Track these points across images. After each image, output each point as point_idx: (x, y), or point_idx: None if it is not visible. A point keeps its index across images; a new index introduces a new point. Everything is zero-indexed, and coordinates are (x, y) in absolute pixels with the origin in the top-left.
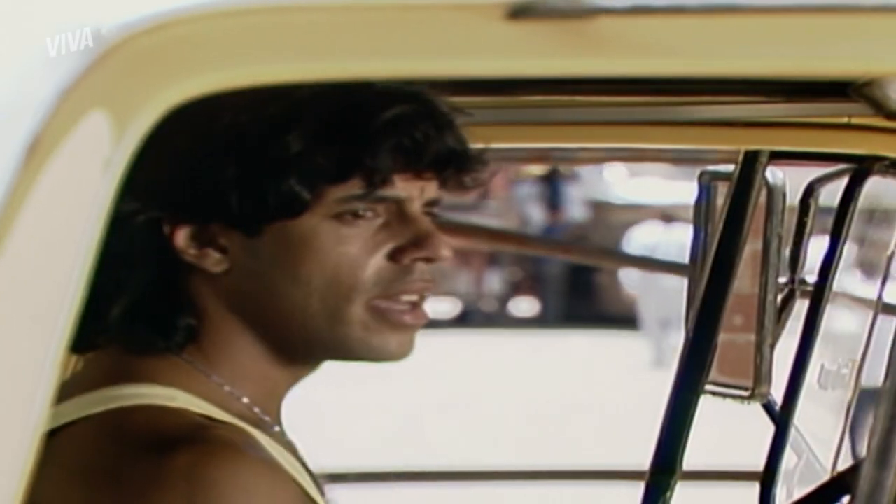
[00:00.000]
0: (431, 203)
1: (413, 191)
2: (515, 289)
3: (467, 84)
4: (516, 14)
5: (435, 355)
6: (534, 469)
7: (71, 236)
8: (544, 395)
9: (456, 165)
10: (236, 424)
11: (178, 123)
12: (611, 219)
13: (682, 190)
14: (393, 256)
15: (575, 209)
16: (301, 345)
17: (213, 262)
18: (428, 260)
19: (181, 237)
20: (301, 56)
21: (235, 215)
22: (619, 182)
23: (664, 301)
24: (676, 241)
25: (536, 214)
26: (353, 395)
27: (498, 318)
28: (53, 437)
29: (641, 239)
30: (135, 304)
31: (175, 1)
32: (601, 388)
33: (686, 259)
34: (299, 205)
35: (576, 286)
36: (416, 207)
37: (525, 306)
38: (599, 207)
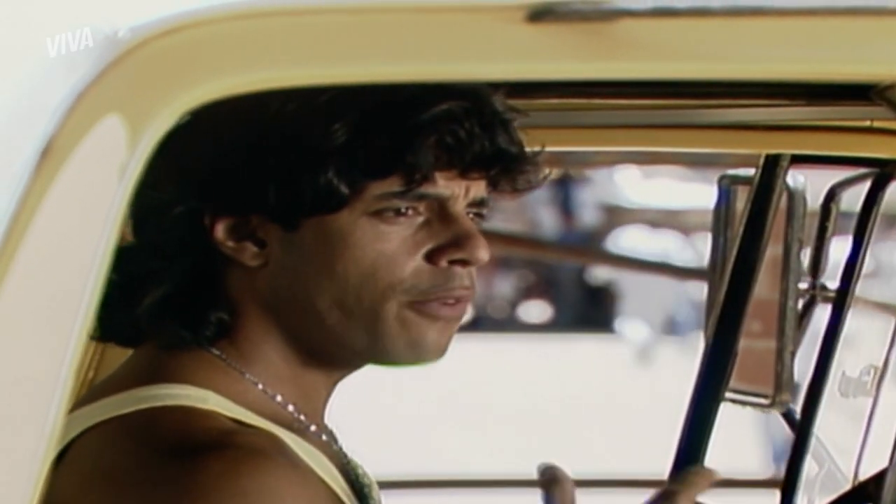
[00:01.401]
0: (478, 203)
1: (456, 189)
2: (526, 293)
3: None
4: (537, 16)
5: (445, 360)
6: None
7: (86, 242)
8: (556, 401)
9: (503, 166)
10: (267, 429)
11: (222, 111)
12: (624, 223)
13: (696, 193)
14: (430, 257)
15: (587, 213)
16: (335, 342)
17: (251, 255)
18: (464, 263)
19: (220, 229)
20: (318, 59)
21: (273, 208)
22: (632, 185)
23: (649, 301)
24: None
25: (548, 218)
26: (361, 400)
27: (509, 323)
28: (83, 437)
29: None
30: (168, 297)
31: (190, 3)
32: (614, 393)
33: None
34: (337, 199)
35: (588, 290)
36: (458, 207)
37: (536, 311)
38: (612, 211)
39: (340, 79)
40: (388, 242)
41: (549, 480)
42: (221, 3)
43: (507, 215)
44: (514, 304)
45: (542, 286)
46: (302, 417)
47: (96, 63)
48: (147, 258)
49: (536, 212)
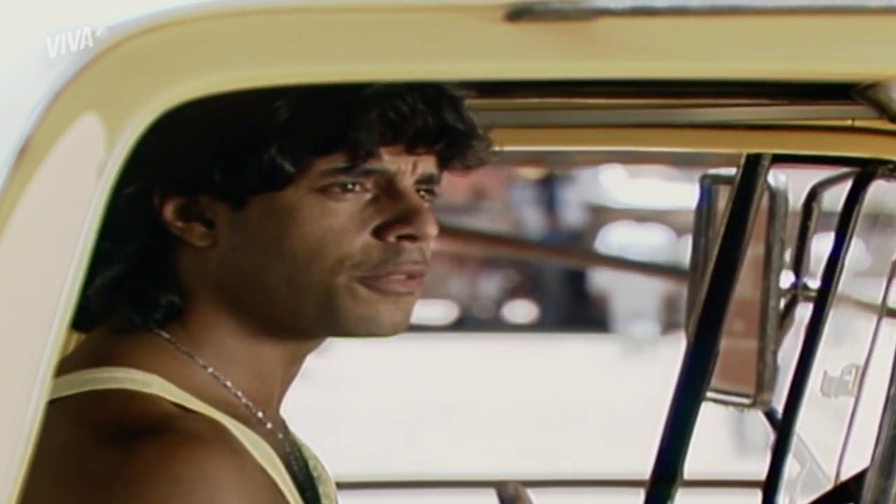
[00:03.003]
0: (427, 180)
1: (403, 165)
2: (512, 293)
3: (461, 85)
4: (515, 15)
5: (430, 360)
6: (531, 477)
7: (64, 240)
8: (541, 401)
9: (449, 141)
10: (209, 415)
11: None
12: (609, 222)
13: (681, 193)
14: (378, 233)
15: (572, 213)
16: (288, 319)
17: (199, 235)
18: (412, 238)
19: (169, 210)
20: (295, 58)
21: (220, 188)
22: (616, 185)
23: (635, 297)
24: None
25: (532, 218)
26: (347, 400)
27: (494, 323)
28: None
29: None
30: (118, 279)
31: (168, 2)
32: (599, 393)
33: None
34: (282, 177)
35: (573, 290)
36: (406, 183)
37: (521, 310)
38: (596, 211)
39: (318, 77)
40: (335, 218)
41: (510, 498)
42: (199, 2)
43: (492, 215)
44: (499, 304)
45: (528, 286)
46: (249, 403)
47: (74, 62)
48: (98, 240)
49: (521, 212)
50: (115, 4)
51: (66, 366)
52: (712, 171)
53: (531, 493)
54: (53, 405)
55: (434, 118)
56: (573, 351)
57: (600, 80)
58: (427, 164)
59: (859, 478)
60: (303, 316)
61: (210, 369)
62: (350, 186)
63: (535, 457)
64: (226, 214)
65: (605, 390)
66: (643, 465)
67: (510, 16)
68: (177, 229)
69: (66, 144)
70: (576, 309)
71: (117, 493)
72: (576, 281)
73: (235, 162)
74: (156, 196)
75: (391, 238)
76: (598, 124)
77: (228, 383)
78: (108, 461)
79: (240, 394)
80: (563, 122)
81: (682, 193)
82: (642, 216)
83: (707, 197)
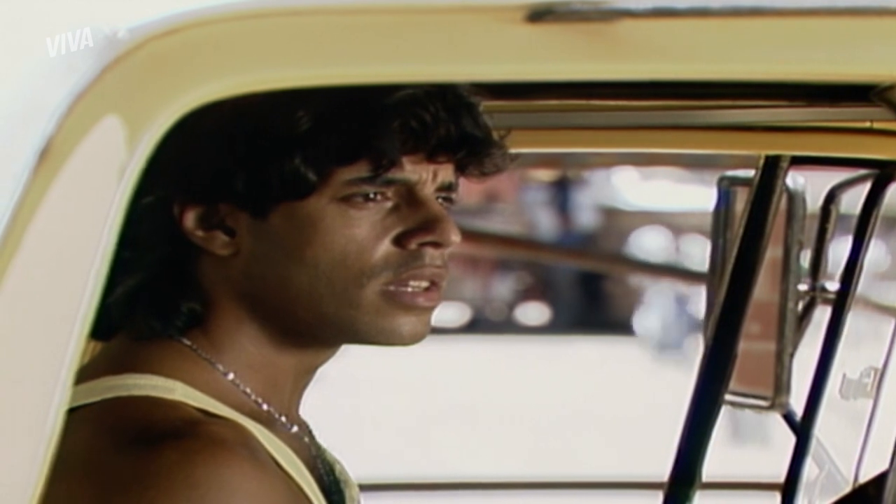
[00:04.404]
0: (446, 188)
1: (424, 174)
2: (524, 295)
3: (480, 87)
4: (536, 17)
5: (443, 362)
6: (546, 479)
7: (85, 243)
8: (554, 403)
9: (469, 149)
10: (232, 419)
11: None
12: (622, 225)
13: (694, 195)
14: (399, 241)
15: (585, 215)
16: (308, 329)
17: (221, 244)
18: (435, 245)
19: (189, 218)
20: (317, 60)
21: (242, 196)
22: (629, 187)
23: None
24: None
25: (545, 220)
26: (359, 403)
27: (507, 325)
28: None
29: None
30: (139, 287)
31: (190, 4)
32: (612, 395)
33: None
34: (305, 186)
35: (586, 292)
36: (427, 191)
37: (534, 313)
38: (610, 213)
39: (340, 79)
40: (358, 227)
41: None
42: (221, 4)
43: (504, 217)
44: (511, 306)
45: (540, 288)
46: (270, 409)
47: (95, 64)
48: (118, 248)
49: (534, 214)
50: (137, 5)
51: (86, 373)
52: (730, 172)
53: (540, 496)
54: (75, 413)
55: (455, 127)
56: (586, 353)
57: (619, 82)
58: (446, 173)
59: (878, 480)
60: (323, 325)
61: (230, 375)
62: (372, 196)
63: (549, 458)
64: (247, 223)
65: (618, 392)
66: (658, 467)
67: (531, 17)
68: (198, 238)
69: (87, 146)
70: (589, 311)
71: (135, 496)
72: (589, 283)
73: (258, 171)
74: (175, 204)
75: (412, 245)
76: (617, 126)
77: (248, 390)
78: (127, 465)
79: (259, 400)
80: (581, 124)
81: (696, 195)
82: (654, 219)
83: (725, 199)
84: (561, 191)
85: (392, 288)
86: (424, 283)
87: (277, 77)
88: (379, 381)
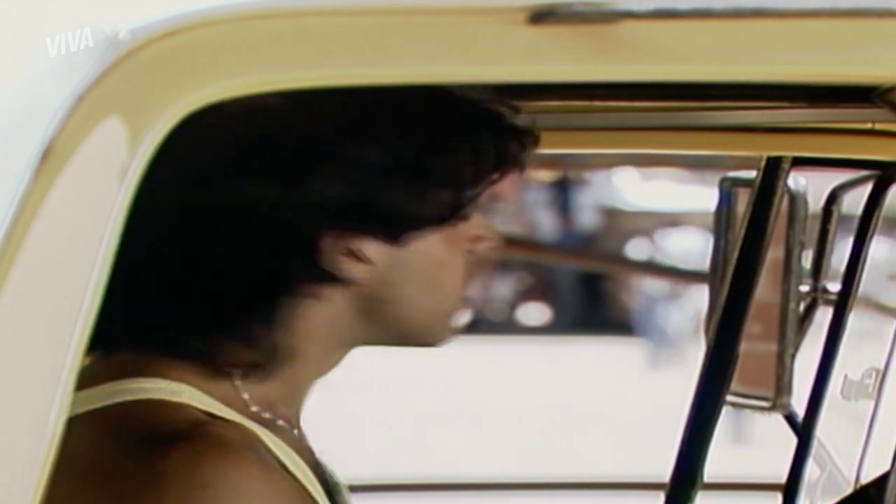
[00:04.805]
0: None
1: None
2: (525, 295)
3: (482, 88)
4: (538, 18)
5: (443, 363)
6: (547, 480)
7: (87, 244)
8: (555, 404)
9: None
10: (240, 423)
11: (337, 133)
12: (622, 225)
13: (695, 195)
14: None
15: (586, 216)
16: (386, 341)
17: (358, 270)
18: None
19: (325, 243)
20: (320, 61)
21: (392, 223)
22: (630, 188)
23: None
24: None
25: (546, 220)
26: (360, 403)
27: (507, 326)
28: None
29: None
30: (217, 314)
31: (192, 5)
32: (613, 396)
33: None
34: (459, 214)
35: (587, 293)
36: None
37: (535, 313)
38: (611, 214)
39: (341, 81)
40: (460, 245)
41: None
42: (222, 5)
43: (505, 217)
44: (512, 307)
45: (541, 289)
46: (268, 415)
47: (97, 65)
48: (230, 272)
49: (535, 214)
50: (139, 6)
51: (90, 378)
52: (731, 173)
53: (540, 497)
54: (83, 417)
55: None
56: (586, 353)
57: (621, 83)
58: None
59: (880, 482)
60: (410, 336)
61: (238, 382)
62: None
63: (549, 459)
64: (379, 249)
65: (619, 392)
66: (659, 467)
67: (533, 19)
68: (336, 263)
69: (89, 147)
70: (589, 311)
71: (144, 497)
72: (589, 283)
73: (416, 199)
74: (313, 230)
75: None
76: (619, 127)
77: (246, 395)
78: (136, 467)
79: (255, 408)
80: (582, 125)
81: (697, 196)
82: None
83: (726, 200)
84: (562, 191)
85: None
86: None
87: (279, 78)
88: (379, 382)
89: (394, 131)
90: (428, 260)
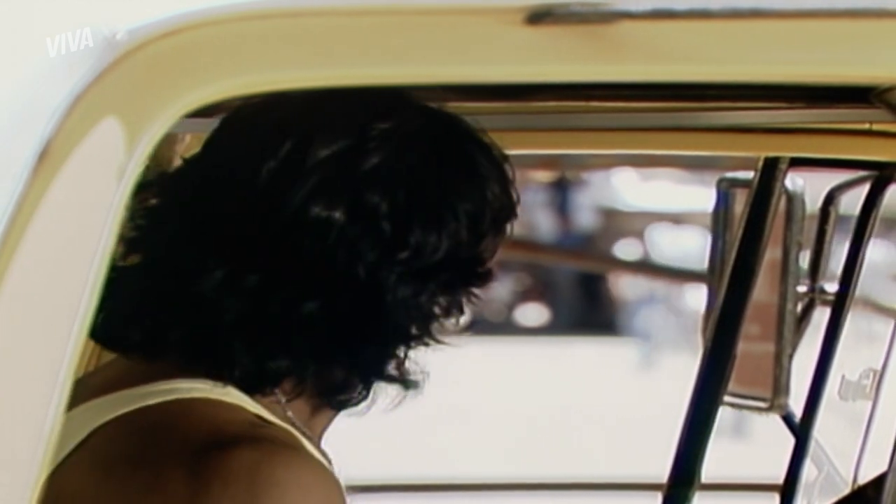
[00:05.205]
0: None
1: None
2: (523, 296)
3: (479, 89)
4: (536, 19)
5: (441, 364)
6: (545, 480)
7: (84, 244)
8: (553, 404)
9: None
10: (286, 427)
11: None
12: (620, 225)
13: (694, 195)
14: None
15: (584, 216)
16: None
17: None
18: None
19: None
20: (318, 61)
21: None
22: (629, 188)
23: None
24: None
25: (544, 221)
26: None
27: (506, 326)
28: (103, 428)
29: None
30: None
31: (189, 5)
32: (611, 395)
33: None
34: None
35: (585, 293)
36: None
37: (533, 314)
38: (609, 214)
39: (339, 81)
40: None
41: None
42: (220, 6)
43: None
44: (510, 308)
45: (539, 289)
46: (301, 425)
47: (95, 65)
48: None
49: (533, 215)
50: (137, 7)
51: (126, 377)
52: (729, 174)
53: (537, 497)
54: (134, 414)
55: None
56: (585, 354)
57: (619, 83)
58: None
59: (877, 482)
60: None
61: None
62: None
63: (548, 459)
64: None
65: (617, 393)
66: (656, 468)
67: (530, 19)
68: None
69: (86, 148)
70: (588, 312)
71: (215, 493)
72: (588, 284)
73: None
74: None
75: None
76: (616, 127)
77: (290, 414)
78: (206, 464)
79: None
80: (580, 126)
81: (695, 197)
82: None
83: (724, 200)
84: (560, 192)
85: None
86: None
87: (277, 79)
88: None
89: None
90: None
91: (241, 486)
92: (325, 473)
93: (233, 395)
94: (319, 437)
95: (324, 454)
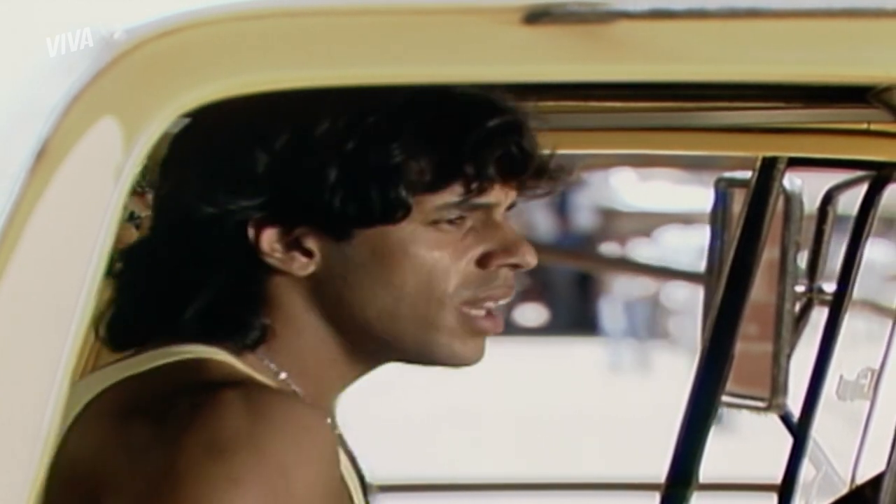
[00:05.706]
0: (510, 208)
1: (502, 197)
2: (522, 296)
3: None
4: (534, 18)
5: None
6: (544, 480)
7: (82, 243)
8: (552, 404)
9: (539, 174)
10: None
11: (269, 126)
12: (619, 225)
13: (692, 195)
14: (481, 262)
15: (583, 216)
16: (379, 348)
17: (299, 265)
18: (515, 266)
19: (266, 240)
20: (315, 61)
21: (332, 219)
22: (627, 188)
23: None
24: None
25: (543, 221)
26: (358, 405)
27: (505, 326)
28: (106, 392)
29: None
30: (210, 305)
31: (187, 5)
32: (610, 396)
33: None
34: (404, 211)
35: (583, 293)
36: (501, 213)
37: (532, 314)
38: (608, 214)
39: (336, 81)
40: (444, 250)
41: None
42: (218, 5)
43: None
44: (509, 308)
45: (538, 289)
46: (298, 389)
47: (92, 65)
48: (188, 269)
49: (532, 215)
50: (134, 7)
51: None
52: (727, 174)
53: (537, 497)
54: (138, 376)
55: (539, 154)
56: (584, 354)
57: (617, 83)
58: (513, 195)
59: (875, 482)
60: (397, 345)
61: (283, 375)
62: (455, 219)
63: (547, 459)
64: (327, 245)
65: (615, 393)
66: (654, 468)
67: (528, 19)
68: (276, 259)
69: (84, 147)
70: (587, 312)
71: (212, 425)
72: (587, 284)
73: (358, 196)
74: (251, 224)
75: (493, 266)
76: (614, 127)
77: (298, 390)
78: (202, 401)
79: (308, 400)
80: (578, 126)
81: (694, 197)
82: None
83: (722, 200)
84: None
85: (467, 310)
86: (498, 304)
87: (274, 79)
88: (378, 384)
89: (346, 129)
90: (382, 256)
91: (242, 418)
92: (325, 422)
93: (223, 356)
94: (334, 405)
95: (334, 425)
